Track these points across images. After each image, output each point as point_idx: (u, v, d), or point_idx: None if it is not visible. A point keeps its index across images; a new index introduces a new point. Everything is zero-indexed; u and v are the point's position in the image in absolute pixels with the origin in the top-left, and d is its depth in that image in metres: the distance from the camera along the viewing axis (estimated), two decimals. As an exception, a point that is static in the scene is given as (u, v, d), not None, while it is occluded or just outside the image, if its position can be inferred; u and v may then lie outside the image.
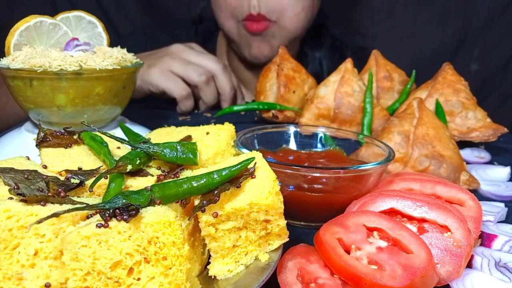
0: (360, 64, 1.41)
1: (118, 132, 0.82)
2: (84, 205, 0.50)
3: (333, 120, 1.23)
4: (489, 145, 1.22)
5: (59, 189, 0.55)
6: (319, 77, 1.49)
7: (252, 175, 0.61)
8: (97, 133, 0.69)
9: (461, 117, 1.17)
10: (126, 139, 0.74)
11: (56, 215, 0.47)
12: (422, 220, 0.67)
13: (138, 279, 0.48)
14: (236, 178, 0.59)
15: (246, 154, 0.68)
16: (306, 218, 0.79)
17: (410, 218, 0.68)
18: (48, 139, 0.71)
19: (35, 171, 0.59)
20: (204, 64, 1.46)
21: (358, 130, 1.21)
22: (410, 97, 1.26)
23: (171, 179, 0.61)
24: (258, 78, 1.47)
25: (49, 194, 0.54)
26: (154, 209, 0.51)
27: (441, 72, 1.23)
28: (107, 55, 0.94)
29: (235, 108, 1.32)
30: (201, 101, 1.53)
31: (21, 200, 0.51)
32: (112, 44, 1.08)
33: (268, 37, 1.66)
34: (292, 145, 0.95)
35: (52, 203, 0.52)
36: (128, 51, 1.02)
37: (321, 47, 1.91)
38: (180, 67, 1.44)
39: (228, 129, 0.80)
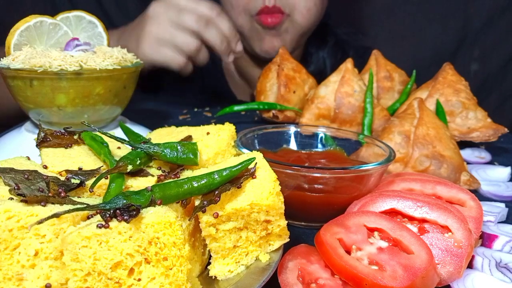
0: (362, 64, 1.41)
1: (118, 132, 0.82)
2: (85, 205, 0.50)
3: (333, 120, 1.23)
4: (489, 145, 1.22)
5: (60, 190, 0.55)
6: (323, 75, 1.49)
7: (252, 175, 0.61)
8: (97, 133, 0.69)
9: (461, 117, 1.17)
10: (127, 139, 0.74)
11: (56, 215, 0.47)
12: (423, 221, 0.67)
13: (139, 279, 0.48)
14: (236, 178, 0.59)
15: (246, 154, 0.68)
16: (307, 218, 0.79)
17: (411, 219, 0.68)
18: (48, 139, 0.71)
19: (36, 171, 0.58)
20: (196, 9, 1.32)
21: (358, 130, 1.21)
22: (410, 97, 1.26)
23: (171, 180, 0.61)
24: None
25: (50, 194, 0.54)
26: (155, 210, 0.51)
27: (442, 72, 1.23)
28: (107, 55, 0.94)
29: (236, 108, 1.32)
30: (214, 48, 1.40)
31: (21, 201, 0.51)
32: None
33: (281, 31, 1.65)
34: (293, 145, 0.95)
35: (53, 203, 0.52)
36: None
37: (325, 46, 1.92)
38: (167, 32, 1.31)
39: (228, 129, 0.80)
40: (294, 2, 1.61)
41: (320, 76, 1.45)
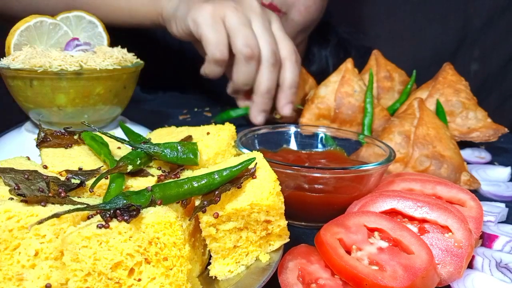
0: (362, 64, 1.41)
1: (119, 132, 0.82)
2: (85, 205, 0.50)
3: (333, 120, 1.23)
4: (489, 145, 1.22)
5: (60, 190, 0.55)
6: (326, 74, 1.48)
7: (252, 175, 0.61)
8: (98, 133, 0.69)
9: (461, 117, 1.17)
10: (127, 139, 0.74)
11: (56, 215, 0.47)
12: (423, 221, 0.67)
13: (139, 279, 0.48)
14: (236, 178, 0.59)
15: (246, 154, 0.68)
16: (307, 218, 0.79)
17: (411, 219, 0.68)
18: (48, 139, 0.71)
19: (36, 171, 0.58)
20: (268, 39, 1.14)
21: (358, 130, 1.21)
22: (410, 97, 1.26)
23: (171, 180, 0.61)
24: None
25: (50, 194, 0.54)
26: (155, 210, 0.51)
27: (442, 72, 1.23)
28: (108, 55, 0.94)
29: (232, 113, 1.30)
30: (231, 81, 1.23)
31: (21, 201, 0.51)
32: (112, 44, 1.07)
33: None
34: (293, 145, 0.95)
35: (53, 203, 0.52)
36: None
37: (327, 45, 1.91)
38: (236, 22, 1.11)
39: (228, 129, 0.80)
40: (293, 0, 1.58)
41: (322, 75, 1.44)
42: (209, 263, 0.61)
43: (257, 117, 1.23)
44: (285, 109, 1.23)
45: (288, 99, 1.21)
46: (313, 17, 1.67)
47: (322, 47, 1.91)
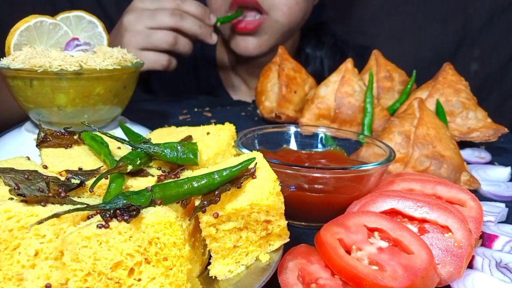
0: (361, 64, 1.41)
1: (119, 132, 0.82)
2: (85, 205, 0.50)
3: (333, 120, 1.23)
4: (489, 145, 1.22)
5: (60, 190, 0.55)
6: (320, 76, 1.48)
7: (252, 175, 0.61)
8: (98, 133, 0.69)
9: (461, 117, 1.17)
10: (127, 139, 0.74)
11: (56, 215, 0.47)
12: (423, 221, 0.67)
13: (139, 279, 0.48)
14: (236, 178, 0.59)
15: (246, 154, 0.68)
16: (307, 218, 0.79)
17: (411, 219, 0.68)
18: (48, 139, 0.71)
19: (36, 171, 0.58)
20: (163, 5, 1.39)
21: (358, 130, 1.21)
22: (410, 97, 1.26)
23: (171, 180, 0.61)
24: (257, 76, 1.47)
25: (50, 194, 0.54)
26: (155, 210, 0.51)
27: (442, 72, 1.23)
28: (108, 55, 0.94)
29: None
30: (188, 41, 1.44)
31: (21, 201, 0.51)
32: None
33: (256, 31, 1.62)
34: (293, 145, 0.95)
35: (53, 203, 0.52)
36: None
37: (322, 46, 1.90)
38: (144, 39, 1.37)
39: (228, 129, 0.80)
40: (274, 0, 1.57)
41: (317, 77, 1.44)
42: (209, 263, 0.61)
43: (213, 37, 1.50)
44: (211, 19, 1.47)
45: (207, 14, 1.46)
46: (297, 19, 1.66)
47: (317, 48, 1.90)
